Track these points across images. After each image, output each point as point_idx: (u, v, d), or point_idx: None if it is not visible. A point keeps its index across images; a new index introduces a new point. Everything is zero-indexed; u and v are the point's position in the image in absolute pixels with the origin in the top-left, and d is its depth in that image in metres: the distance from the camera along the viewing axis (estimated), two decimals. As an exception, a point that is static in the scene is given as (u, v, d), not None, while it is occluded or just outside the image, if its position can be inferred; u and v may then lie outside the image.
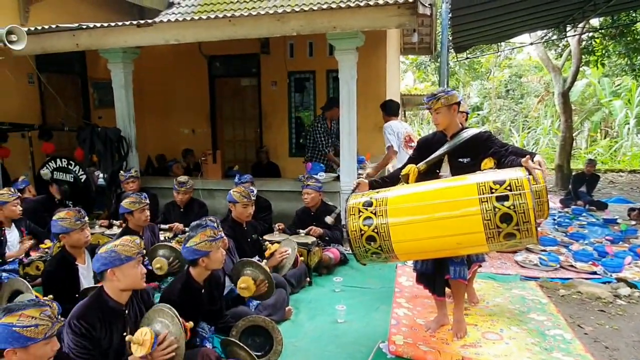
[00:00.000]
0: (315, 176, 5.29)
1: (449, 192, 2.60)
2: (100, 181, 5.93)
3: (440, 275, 3.09)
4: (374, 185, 3.20)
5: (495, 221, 2.40)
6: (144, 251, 2.47)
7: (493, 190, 2.44)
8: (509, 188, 2.42)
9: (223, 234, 2.81)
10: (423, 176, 3.09)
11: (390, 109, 5.65)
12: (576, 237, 5.92)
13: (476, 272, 3.74)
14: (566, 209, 8.08)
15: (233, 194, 3.98)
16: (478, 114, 22.79)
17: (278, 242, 3.89)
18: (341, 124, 5.33)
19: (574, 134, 18.56)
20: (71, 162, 5.95)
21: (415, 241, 2.60)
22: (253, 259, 3.39)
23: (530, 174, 2.55)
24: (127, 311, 2.37)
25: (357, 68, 5.33)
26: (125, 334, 2.32)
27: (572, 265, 4.72)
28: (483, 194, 2.45)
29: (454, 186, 2.63)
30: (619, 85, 18.32)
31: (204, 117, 8.74)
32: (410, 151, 5.38)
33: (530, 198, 2.36)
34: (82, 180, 5.85)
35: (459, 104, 3.12)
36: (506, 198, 2.40)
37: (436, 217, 2.54)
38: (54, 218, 3.17)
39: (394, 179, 3.24)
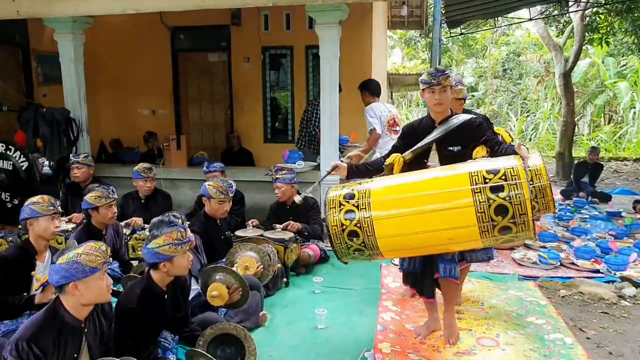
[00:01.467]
0: (288, 165, 5.26)
1: (439, 182, 2.62)
2: (46, 169, 5.75)
3: (428, 274, 3.11)
4: (354, 170, 3.19)
5: (489, 213, 2.44)
6: (110, 259, 2.41)
7: (487, 180, 2.47)
8: (503, 177, 2.46)
9: (192, 237, 2.75)
10: (409, 166, 3.10)
11: (372, 89, 5.65)
12: (578, 232, 6.05)
13: (467, 270, 3.78)
14: (567, 201, 8.25)
15: (209, 188, 3.93)
16: (473, 95, 23.02)
17: (251, 257, 3.81)
18: (322, 107, 5.31)
19: (576, 119, 19.02)
20: (10, 146, 5.75)
21: (402, 236, 2.63)
22: (226, 266, 3.36)
23: (524, 162, 2.58)
24: (85, 327, 2.30)
25: (340, 44, 5.29)
26: (75, 355, 2.25)
27: (573, 263, 4.82)
28: (476, 184, 2.48)
29: (444, 176, 2.65)
30: (624, 65, 18.68)
31: (167, 97, 8.61)
32: (395, 136, 5.48)
33: (526, 188, 2.40)
34: (24, 168, 5.68)
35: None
36: (501, 188, 2.44)
37: (425, 209, 2.57)
38: (26, 203, 3.14)
39: (377, 168, 3.23)
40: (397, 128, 5.49)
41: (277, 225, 4.50)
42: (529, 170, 3.02)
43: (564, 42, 12.24)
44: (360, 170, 3.22)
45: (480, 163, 2.64)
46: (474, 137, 3.06)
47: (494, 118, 22.66)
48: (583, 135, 18.87)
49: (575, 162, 10.07)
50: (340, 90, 6.16)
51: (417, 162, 3.16)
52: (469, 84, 24.24)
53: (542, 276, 4.55)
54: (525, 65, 22.93)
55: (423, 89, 3.13)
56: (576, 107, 19.58)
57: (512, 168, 2.48)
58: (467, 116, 3.14)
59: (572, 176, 8.89)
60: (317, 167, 5.58)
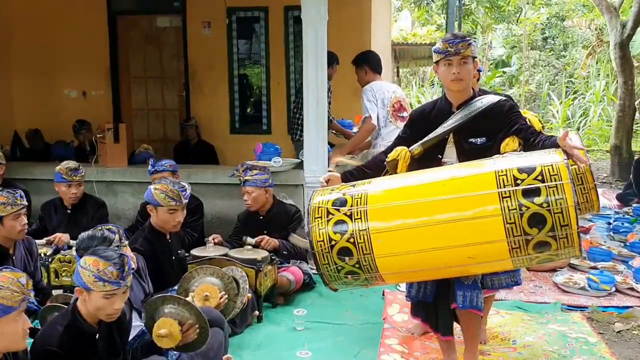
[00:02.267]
0: (260, 163, 5.28)
1: (456, 184, 2.65)
2: None
3: (444, 304, 3.13)
4: (349, 179, 3.21)
5: (522, 225, 2.46)
6: (32, 293, 2.39)
7: (518, 182, 2.50)
8: (540, 178, 2.48)
9: (127, 281, 2.70)
10: (418, 163, 3.12)
11: (372, 64, 5.68)
12: (638, 249, 6.11)
13: (492, 299, 3.82)
14: (625, 208, 8.34)
15: (155, 193, 3.92)
16: (504, 72, 23.25)
17: (212, 285, 3.79)
18: (306, 87, 5.34)
19: (637, 102, 19.25)
20: None
21: (408, 255, 2.65)
22: (179, 296, 3.34)
23: (569, 157, 2.61)
24: None
25: (330, 5, 5.32)
26: None
27: (632, 289, 4.87)
28: (504, 186, 2.51)
29: (463, 176, 2.68)
30: (699, 32, 19.02)
31: (101, 75, 8.58)
32: (401, 124, 5.53)
33: (570, 192, 2.42)
34: None
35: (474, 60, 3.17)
36: (537, 192, 2.47)
37: (438, 220, 2.59)
38: None
39: (376, 168, 3.25)
40: (404, 114, 5.52)
41: (249, 239, 4.51)
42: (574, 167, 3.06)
43: (621, 3, 12.40)
44: (358, 177, 3.24)
45: (511, 159, 2.67)
46: (503, 125, 3.09)
47: (531, 101, 22.91)
48: (647, 123, 19.12)
49: (636, 157, 10.19)
50: (337, 63, 6.22)
51: (429, 158, 3.19)
52: (498, 57, 24.54)
53: (592, 305, 4.59)
54: (571, 32, 23.17)
55: (437, 61, 3.16)
56: (638, 86, 19.92)
57: (552, 165, 2.51)
58: (494, 98, 3.18)
59: (631, 176, 8.98)
60: (300, 165, 5.60)
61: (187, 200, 4.04)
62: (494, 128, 3.10)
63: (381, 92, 5.51)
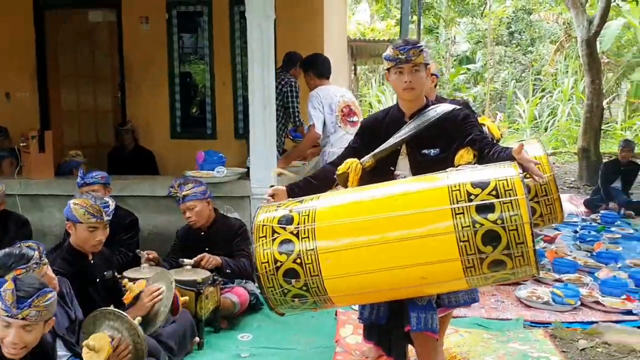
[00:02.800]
0: (198, 174, 5.26)
1: (408, 200, 2.67)
2: None
3: (397, 326, 3.15)
4: (297, 192, 3.22)
5: (475, 243, 2.49)
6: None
7: (471, 197, 2.53)
8: (494, 193, 2.51)
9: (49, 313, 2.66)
10: (370, 176, 3.15)
11: (318, 68, 5.76)
12: (605, 259, 6.29)
13: (450, 317, 3.88)
14: (593, 215, 8.59)
15: (74, 208, 3.85)
16: (468, 69, 23.62)
17: (145, 279, 3.81)
18: (251, 90, 5.32)
19: (606, 101, 19.77)
20: None
21: (358, 276, 2.66)
22: (123, 313, 3.30)
23: (524, 171, 2.67)
24: None
25: (278, 0, 5.34)
26: None
27: (597, 302, 5.00)
28: (457, 202, 2.54)
29: (415, 191, 2.70)
30: (669, 28, 19.63)
31: (27, 74, 8.41)
32: (351, 129, 5.62)
33: (525, 208, 2.47)
34: None
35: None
36: (491, 208, 2.50)
37: (389, 238, 2.60)
38: None
39: (325, 180, 3.27)
40: (354, 118, 5.59)
41: (186, 261, 4.47)
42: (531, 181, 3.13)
43: (588, -3, 12.71)
44: (306, 190, 3.25)
45: (465, 173, 2.70)
46: (457, 135, 3.12)
47: (497, 99, 23.35)
48: (616, 122, 19.64)
49: (605, 161, 10.43)
50: (300, 62, 6.25)
51: (381, 170, 3.21)
52: (462, 52, 24.94)
53: (556, 321, 4.69)
54: (538, 26, 23.69)
55: (388, 68, 3.19)
56: (607, 84, 20.45)
57: (506, 180, 2.54)
58: (447, 107, 3.22)
59: (599, 181, 9.22)
60: (247, 175, 5.59)
61: (109, 218, 3.95)
62: (447, 139, 3.14)
63: (328, 97, 5.56)
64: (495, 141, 4.36)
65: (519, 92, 21.63)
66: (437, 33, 23.76)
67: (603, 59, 19.36)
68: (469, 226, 2.50)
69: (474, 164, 3.01)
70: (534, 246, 2.48)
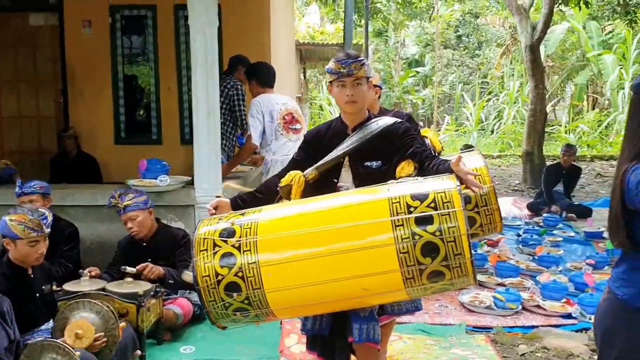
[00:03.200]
0: (145, 183, 5.22)
1: (349, 212, 2.69)
2: None
3: (340, 337, 3.18)
4: (240, 205, 3.22)
5: (415, 254, 2.53)
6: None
7: (411, 209, 2.57)
8: (432, 205, 2.56)
9: None
10: (313, 188, 3.17)
11: (259, 78, 5.79)
12: (547, 262, 6.43)
13: (393, 325, 3.93)
14: (536, 218, 8.79)
15: (11, 225, 3.75)
16: (417, 72, 23.89)
17: (88, 321, 3.71)
18: (195, 98, 5.30)
19: (551, 104, 20.22)
20: None
21: (300, 288, 2.67)
22: (58, 340, 3.26)
23: (462, 183, 2.73)
24: None
25: (224, 5, 5.33)
26: None
27: (538, 306, 5.14)
28: (397, 214, 2.57)
29: (357, 204, 2.73)
30: (610, 32, 20.23)
31: (-36, 79, 8.20)
32: (294, 136, 5.65)
33: (462, 219, 2.51)
34: None
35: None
36: (429, 220, 2.54)
37: (330, 250, 2.61)
38: None
39: (269, 192, 3.28)
40: (297, 126, 5.62)
41: (129, 269, 4.42)
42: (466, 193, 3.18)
43: (531, 3, 12.97)
44: (250, 203, 3.25)
45: (405, 185, 2.74)
46: (398, 148, 3.16)
47: (445, 102, 23.71)
48: (560, 125, 20.14)
49: (548, 164, 10.68)
50: (242, 65, 6.24)
51: (325, 183, 3.21)
52: (412, 55, 25.22)
53: (497, 326, 4.81)
54: (485, 30, 24.13)
55: (330, 81, 3.22)
56: (553, 87, 20.98)
57: (444, 192, 2.59)
58: (389, 120, 3.25)
59: (542, 184, 9.44)
60: (191, 183, 5.55)
61: (49, 230, 3.90)
62: (389, 151, 3.17)
63: (269, 105, 5.57)
64: (436, 153, 4.45)
65: (466, 95, 21.99)
66: (387, 36, 23.98)
67: (548, 62, 19.90)
68: (409, 238, 2.53)
69: (415, 176, 3.06)
70: (471, 257, 2.52)
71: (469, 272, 2.54)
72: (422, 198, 2.59)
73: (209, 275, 2.70)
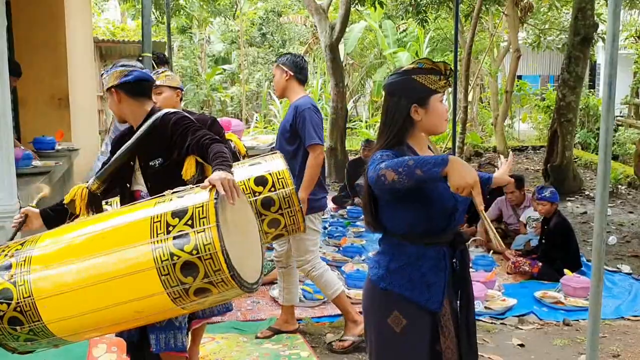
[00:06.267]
0: None
1: (114, 236, 2.64)
2: None
3: (147, 346, 3.17)
4: (50, 214, 3.15)
5: (176, 275, 2.49)
6: None
7: (170, 229, 2.52)
8: (190, 223, 2.51)
9: None
10: (108, 196, 3.12)
11: None
12: (351, 253, 6.81)
13: (204, 328, 3.97)
14: (341, 210, 9.20)
15: None
16: (224, 70, 23.91)
17: None
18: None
19: (352, 100, 21.15)
20: None
21: (78, 317, 2.62)
22: None
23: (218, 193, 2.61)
24: None
25: (13, 3, 5.02)
26: None
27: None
28: (157, 235, 2.52)
29: (121, 225, 2.67)
30: (404, 31, 21.58)
31: None
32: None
33: (216, 236, 2.46)
34: None
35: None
36: (186, 239, 2.49)
37: (97, 279, 2.56)
38: None
39: (73, 202, 3.18)
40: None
41: None
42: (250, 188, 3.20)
43: (329, 4, 13.48)
44: (58, 213, 3.17)
45: (170, 200, 2.66)
46: (174, 141, 3.09)
47: (253, 100, 23.98)
48: (362, 120, 21.19)
49: (350, 159, 11.22)
50: (18, 74, 5.87)
51: (118, 190, 3.20)
52: (217, 52, 25.18)
53: (306, 317, 5.02)
54: (288, 29, 24.71)
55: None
56: (353, 84, 21.97)
57: (202, 207, 2.53)
58: (160, 113, 3.18)
59: (345, 178, 9.90)
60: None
61: None
62: (167, 146, 3.11)
63: None
64: (241, 157, 4.53)
65: (272, 92, 22.35)
66: (191, 33, 23.75)
67: (348, 60, 20.83)
68: (168, 259, 2.47)
69: (197, 177, 3.05)
70: (230, 271, 2.47)
71: (233, 284, 2.51)
72: (181, 215, 2.54)
73: None
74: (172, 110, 3.23)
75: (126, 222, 2.66)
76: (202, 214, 2.49)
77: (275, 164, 3.97)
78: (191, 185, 2.76)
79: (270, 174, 3.93)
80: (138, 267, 2.51)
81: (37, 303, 2.58)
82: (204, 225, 2.47)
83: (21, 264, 2.64)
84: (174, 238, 2.49)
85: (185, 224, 2.50)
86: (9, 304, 2.58)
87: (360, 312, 5.02)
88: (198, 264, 2.46)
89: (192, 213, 2.51)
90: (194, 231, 2.48)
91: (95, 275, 2.57)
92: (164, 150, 3.11)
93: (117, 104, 3.17)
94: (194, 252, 2.46)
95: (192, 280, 2.48)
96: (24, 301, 2.58)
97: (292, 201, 3.93)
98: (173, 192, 2.69)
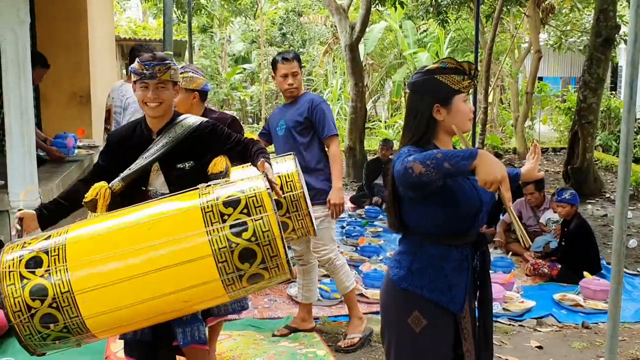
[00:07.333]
0: None
1: (162, 227, 2.64)
2: None
3: (163, 342, 3.16)
4: (45, 214, 3.10)
5: (233, 262, 2.55)
6: None
7: (225, 218, 2.58)
8: (245, 211, 2.59)
9: None
10: (121, 197, 3.08)
11: None
12: (368, 252, 6.79)
13: (221, 325, 3.97)
14: (359, 210, 9.21)
15: None
16: (244, 69, 23.99)
17: None
18: (7, 101, 5.01)
19: (372, 100, 21.14)
20: None
21: (121, 310, 2.59)
22: None
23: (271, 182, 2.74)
24: None
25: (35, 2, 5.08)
26: None
27: (362, 294, 5.39)
28: (212, 224, 2.57)
29: (169, 216, 2.68)
30: (425, 31, 21.52)
31: None
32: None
33: (275, 223, 2.57)
34: None
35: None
36: (244, 227, 2.57)
37: (147, 270, 2.56)
38: None
39: (74, 202, 3.14)
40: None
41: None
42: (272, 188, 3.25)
43: (350, 3, 13.49)
44: (57, 212, 3.13)
45: (216, 190, 2.71)
46: (211, 147, 3.15)
47: (273, 99, 24.01)
48: (381, 120, 21.15)
49: (369, 159, 11.20)
50: (46, 66, 5.92)
51: (132, 191, 3.14)
52: (238, 52, 25.28)
53: (323, 316, 5.02)
54: (308, 28, 24.72)
55: (134, 81, 3.14)
56: (373, 84, 21.93)
57: (255, 196, 2.62)
58: (194, 120, 3.21)
59: (363, 178, 9.89)
60: (5, 187, 5.23)
61: None
62: (200, 149, 3.15)
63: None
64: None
65: (292, 92, 22.34)
66: (212, 32, 23.85)
67: (368, 60, 20.79)
68: (226, 247, 2.54)
69: (225, 173, 3.08)
70: (286, 257, 2.59)
71: (285, 269, 2.62)
72: (234, 204, 2.61)
73: (20, 310, 2.52)
74: (204, 119, 3.27)
75: (171, 213, 2.67)
76: (257, 202, 2.60)
77: (286, 166, 3.93)
78: (225, 179, 2.91)
79: (279, 176, 3.87)
80: (194, 255, 2.55)
81: (77, 297, 2.54)
82: (260, 213, 2.57)
83: (54, 259, 2.59)
84: (231, 227, 2.56)
85: (241, 212, 2.59)
86: (42, 301, 2.53)
87: (377, 312, 5.05)
88: (257, 251, 2.55)
89: (246, 202, 2.60)
90: (251, 219, 2.57)
91: (143, 265, 2.57)
92: (198, 153, 3.16)
93: (171, 99, 3.20)
94: (252, 238, 2.55)
95: (249, 266, 2.57)
96: (62, 296, 2.54)
97: (300, 205, 3.89)
98: (207, 186, 2.76)
